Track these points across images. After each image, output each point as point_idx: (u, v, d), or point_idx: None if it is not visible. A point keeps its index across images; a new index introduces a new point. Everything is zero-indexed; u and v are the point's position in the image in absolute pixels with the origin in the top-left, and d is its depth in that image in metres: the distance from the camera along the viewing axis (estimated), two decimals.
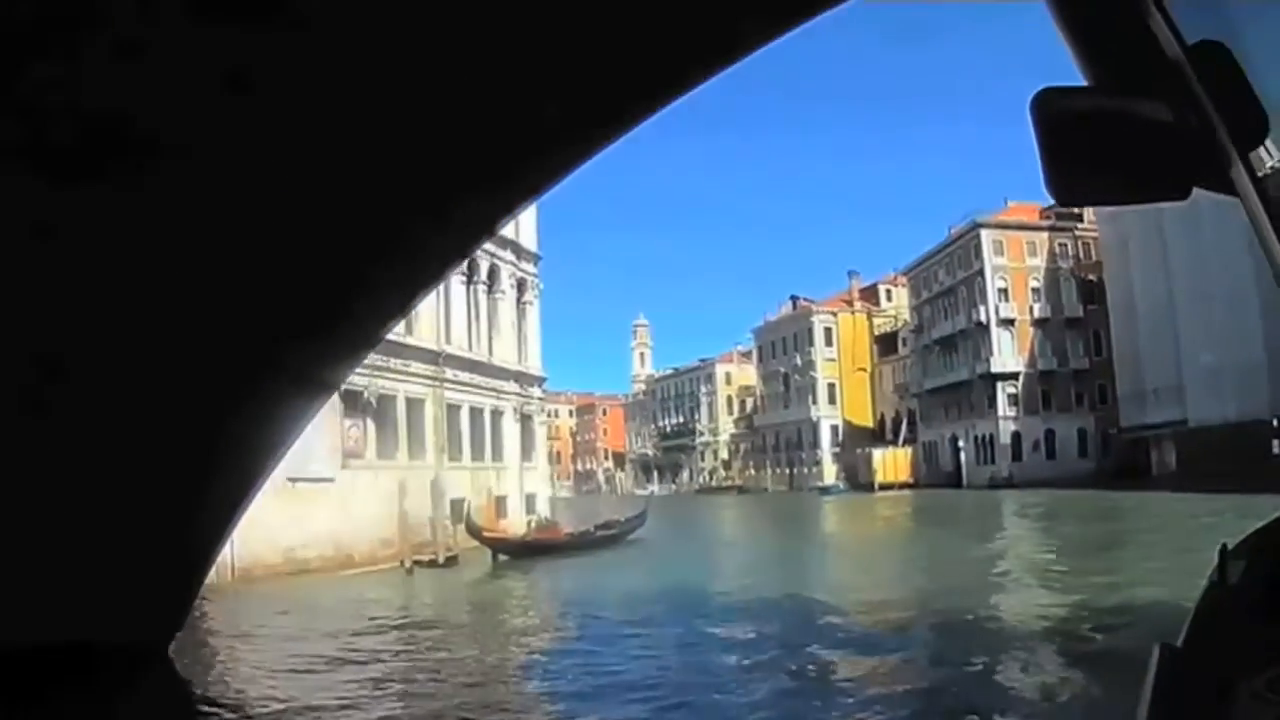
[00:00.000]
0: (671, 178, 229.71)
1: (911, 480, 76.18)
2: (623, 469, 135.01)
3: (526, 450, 38.50)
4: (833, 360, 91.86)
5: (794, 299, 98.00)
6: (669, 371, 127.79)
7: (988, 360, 69.63)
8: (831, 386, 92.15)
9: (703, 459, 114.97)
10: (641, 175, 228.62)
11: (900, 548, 31.88)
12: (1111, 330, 64.49)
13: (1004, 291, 70.08)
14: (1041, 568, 22.26)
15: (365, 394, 28.69)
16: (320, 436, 26.61)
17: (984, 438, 69.95)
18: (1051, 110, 1.50)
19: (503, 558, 28.75)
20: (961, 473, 69.41)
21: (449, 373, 33.14)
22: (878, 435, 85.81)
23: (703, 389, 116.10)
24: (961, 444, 71.05)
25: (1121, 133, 1.47)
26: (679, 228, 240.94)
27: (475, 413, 34.69)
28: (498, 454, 36.12)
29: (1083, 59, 1.59)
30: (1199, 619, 1.75)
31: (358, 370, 27.41)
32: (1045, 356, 69.71)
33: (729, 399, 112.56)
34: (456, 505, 31.76)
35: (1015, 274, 68.59)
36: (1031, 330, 69.96)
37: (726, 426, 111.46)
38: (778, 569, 24.41)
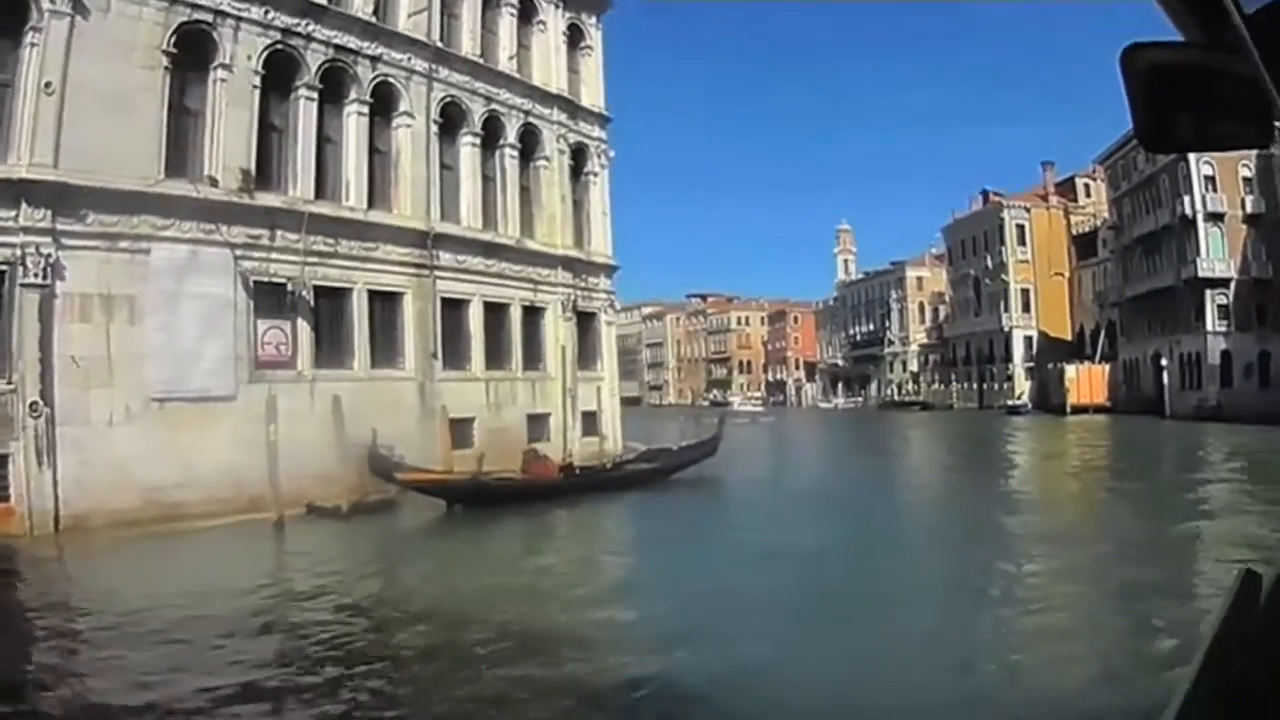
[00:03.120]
0: (866, 67, 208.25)
1: (1108, 403, 62.47)
2: (813, 380, 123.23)
3: (589, 356, 29.92)
4: (1026, 263, 77.75)
5: (985, 193, 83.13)
6: (860, 276, 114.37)
7: (1193, 263, 54.88)
8: (1025, 293, 78.29)
9: (891, 371, 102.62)
10: (836, 70, 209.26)
11: (1093, 521, 20.12)
12: None
13: (1210, 180, 54.85)
14: None
15: (289, 286, 20.82)
16: (210, 342, 19.13)
17: (1189, 356, 55.80)
18: (1140, 63, 1.52)
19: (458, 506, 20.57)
20: (1164, 398, 55.14)
21: (445, 258, 24.82)
22: (1075, 349, 71.35)
23: (893, 295, 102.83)
24: (1165, 363, 56.87)
25: (1206, 83, 1.51)
26: (878, 124, 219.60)
27: (493, 309, 26.32)
28: (534, 360, 27.75)
29: (1171, 13, 1.49)
30: None
31: (280, 258, 20.08)
32: (1259, 261, 54.33)
33: (920, 306, 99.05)
34: (458, 425, 23.97)
35: (1222, 160, 52.20)
36: (1244, 228, 54.63)
37: (917, 336, 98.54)
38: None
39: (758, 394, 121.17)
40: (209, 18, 20.34)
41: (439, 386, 24.59)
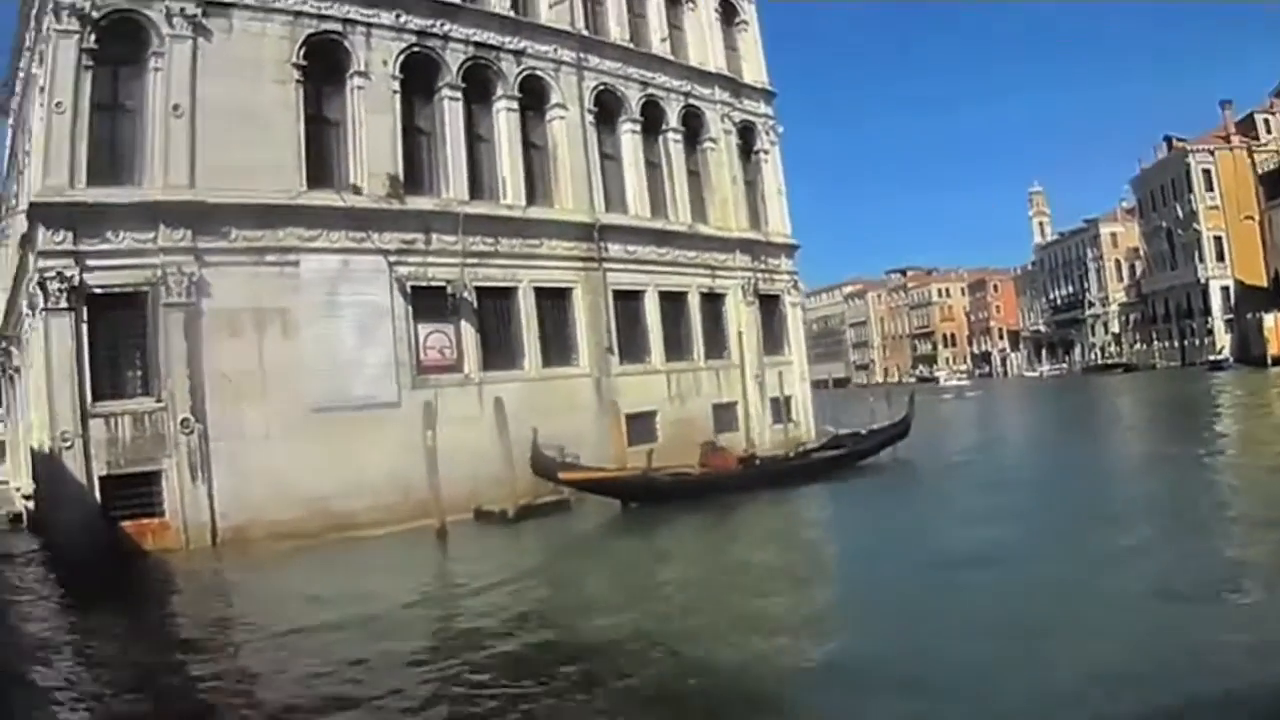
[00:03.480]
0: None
1: None
2: (1018, 348, 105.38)
3: (774, 340, 24.50)
4: (1216, 208, 62.82)
5: (1168, 140, 68.33)
6: (1055, 238, 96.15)
7: None
8: (1218, 240, 63.18)
9: (1093, 333, 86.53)
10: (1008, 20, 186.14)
11: None
12: None
13: None
14: None
15: (449, 289, 16.96)
16: (369, 350, 15.51)
17: None
18: None
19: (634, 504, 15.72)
20: None
21: (614, 249, 20.20)
22: (1273, 296, 57.22)
23: (1089, 254, 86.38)
24: None
25: None
26: (1056, 79, 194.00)
27: (670, 298, 21.42)
28: (716, 348, 22.63)
29: None
30: None
31: (438, 261, 16.31)
32: None
33: (1116, 264, 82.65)
34: (639, 420, 19.39)
35: None
36: None
37: (1116, 296, 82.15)
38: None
39: (963, 367, 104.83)
40: (338, 27, 16.81)
41: (617, 382, 19.91)
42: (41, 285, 14.06)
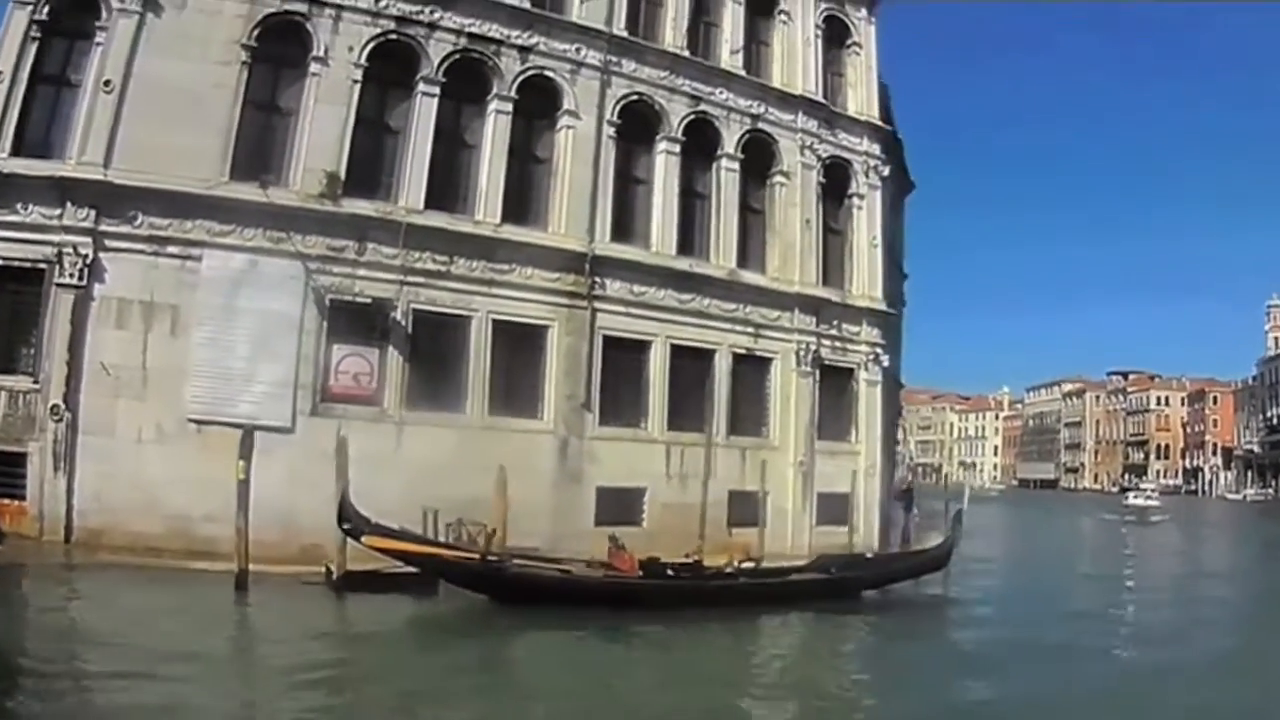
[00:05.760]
0: None
1: None
2: (1230, 467, 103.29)
3: (840, 423, 20.46)
4: None
5: None
6: (1278, 352, 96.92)
7: None
8: None
9: None
10: None
11: None
12: None
13: None
14: None
15: (378, 308, 16.18)
16: (264, 365, 15.29)
17: None
18: None
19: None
20: None
21: (614, 287, 17.59)
22: None
23: None
24: None
25: None
26: None
27: (688, 354, 18.47)
28: (750, 423, 19.19)
29: None
30: None
31: (370, 275, 14.97)
32: None
33: None
34: (617, 495, 16.82)
35: None
36: None
37: None
38: None
39: (1152, 484, 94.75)
40: (303, 8, 16.82)
41: (593, 445, 17.58)
42: None
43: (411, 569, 13.69)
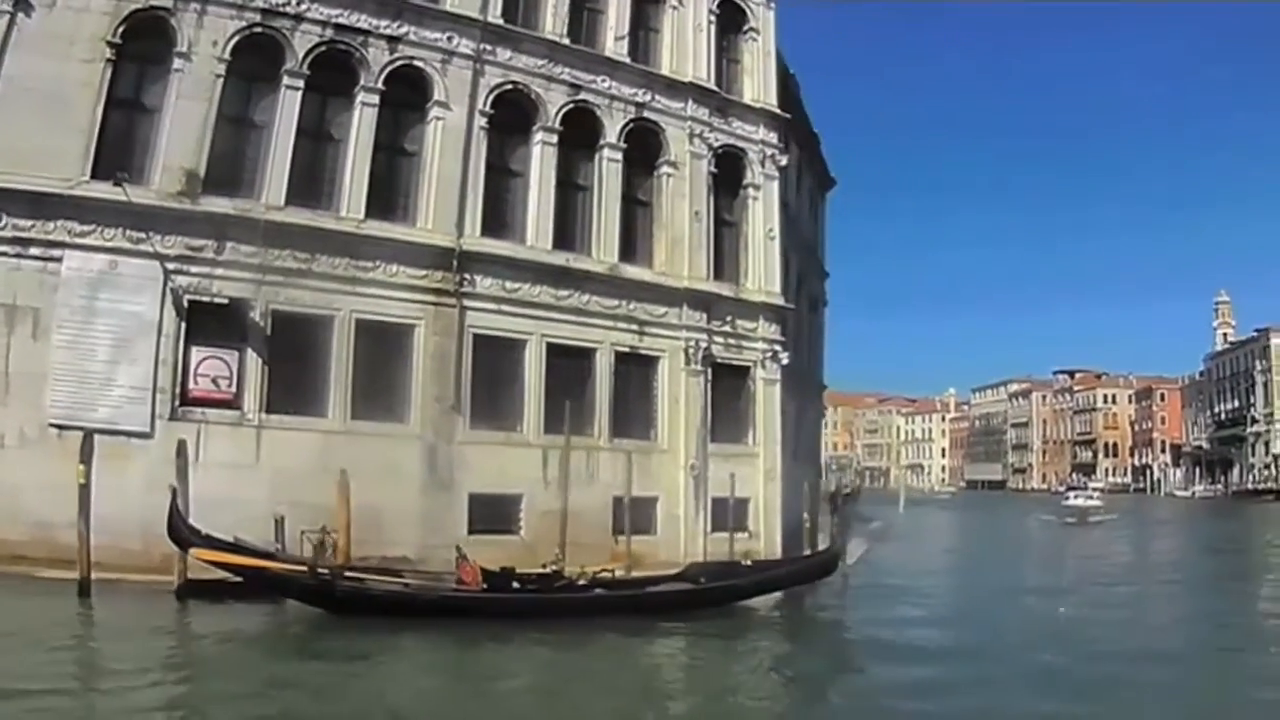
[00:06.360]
0: None
1: None
2: (1179, 464, 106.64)
3: (736, 424, 20.22)
4: None
5: None
6: (1225, 347, 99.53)
7: None
8: None
9: (1252, 453, 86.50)
10: None
11: None
12: None
13: None
14: None
15: (235, 308, 16.24)
16: (123, 369, 15.54)
17: None
18: None
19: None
20: None
21: (485, 284, 17.18)
22: None
23: (1257, 366, 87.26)
24: None
25: None
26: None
27: (566, 353, 18.11)
28: (635, 425, 18.89)
29: None
30: None
31: (228, 275, 14.76)
32: None
33: None
34: (490, 502, 16.28)
35: None
36: None
37: None
38: None
39: (1100, 483, 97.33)
40: (167, 3, 16.84)
41: (463, 451, 17.26)
42: None
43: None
